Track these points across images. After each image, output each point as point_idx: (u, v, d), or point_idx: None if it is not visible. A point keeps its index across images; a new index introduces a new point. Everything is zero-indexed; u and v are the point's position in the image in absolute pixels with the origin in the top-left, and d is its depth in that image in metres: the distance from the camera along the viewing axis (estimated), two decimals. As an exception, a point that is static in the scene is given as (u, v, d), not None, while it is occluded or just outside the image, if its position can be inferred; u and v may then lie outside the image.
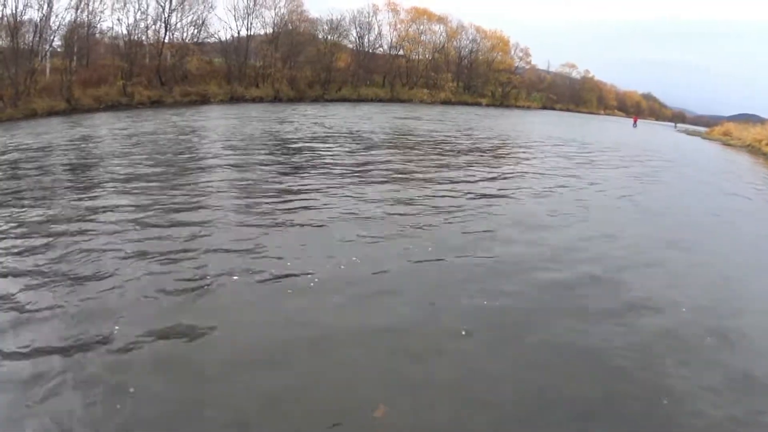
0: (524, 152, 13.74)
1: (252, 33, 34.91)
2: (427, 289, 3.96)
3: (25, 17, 22.49)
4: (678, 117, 79.06)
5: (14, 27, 21.64)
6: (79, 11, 24.91)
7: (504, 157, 12.35)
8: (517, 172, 9.92)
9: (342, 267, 4.27)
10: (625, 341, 3.36)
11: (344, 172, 8.57)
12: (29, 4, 22.29)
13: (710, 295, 4.34)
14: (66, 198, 6.57)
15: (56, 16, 23.79)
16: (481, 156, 12.09)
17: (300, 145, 11.83)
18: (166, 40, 29.54)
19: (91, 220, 5.46)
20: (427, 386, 2.78)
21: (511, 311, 3.70)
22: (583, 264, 4.77)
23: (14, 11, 21.73)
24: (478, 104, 45.48)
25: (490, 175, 9.28)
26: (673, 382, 2.95)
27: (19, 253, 4.48)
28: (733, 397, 2.86)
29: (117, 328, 3.17)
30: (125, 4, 27.54)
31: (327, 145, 11.93)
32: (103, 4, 26.50)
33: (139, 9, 28.19)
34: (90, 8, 25.68)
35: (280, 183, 7.47)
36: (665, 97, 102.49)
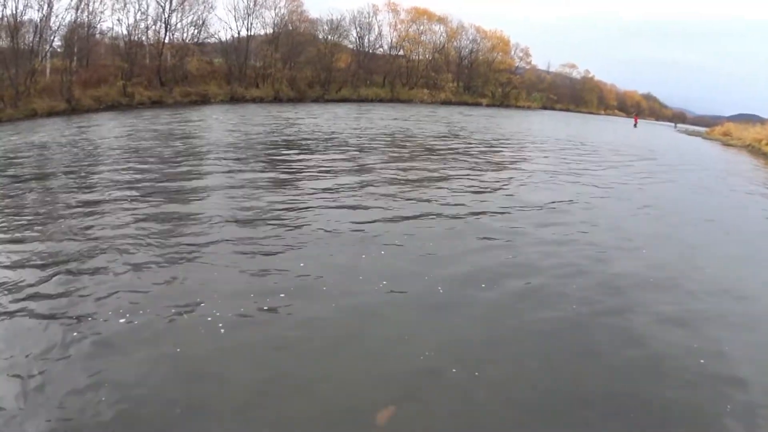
0: (533, 154, 13.70)
1: (252, 33, 35.00)
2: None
3: (25, 17, 22.52)
4: (678, 117, 79.04)
5: (14, 27, 21.62)
6: (79, 11, 24.90)
7: (509, 161, 12.33)
8: (515, 173, 9.90)
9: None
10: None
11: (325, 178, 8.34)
12: (29, 5, 22.31)
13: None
14: (62, 200, 6.57)
15: (56, 16, 23.79)
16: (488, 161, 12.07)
17: (286, 152, 11.35)
18: (167, 41, 29.54)
19: (86, 217, 5.47)
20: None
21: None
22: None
23: (14, 11, 21.75)
24: (479, 104, 45.49)
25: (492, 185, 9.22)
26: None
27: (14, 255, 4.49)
28: None
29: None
30: (125, 5, 27.58)
31: (319, 155, 11.66)
32: (103, 5, 26.51)
33: (139, 9, 28.24)
34: (90, 9, 25.68)
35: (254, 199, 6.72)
36: (666, 97, 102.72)
